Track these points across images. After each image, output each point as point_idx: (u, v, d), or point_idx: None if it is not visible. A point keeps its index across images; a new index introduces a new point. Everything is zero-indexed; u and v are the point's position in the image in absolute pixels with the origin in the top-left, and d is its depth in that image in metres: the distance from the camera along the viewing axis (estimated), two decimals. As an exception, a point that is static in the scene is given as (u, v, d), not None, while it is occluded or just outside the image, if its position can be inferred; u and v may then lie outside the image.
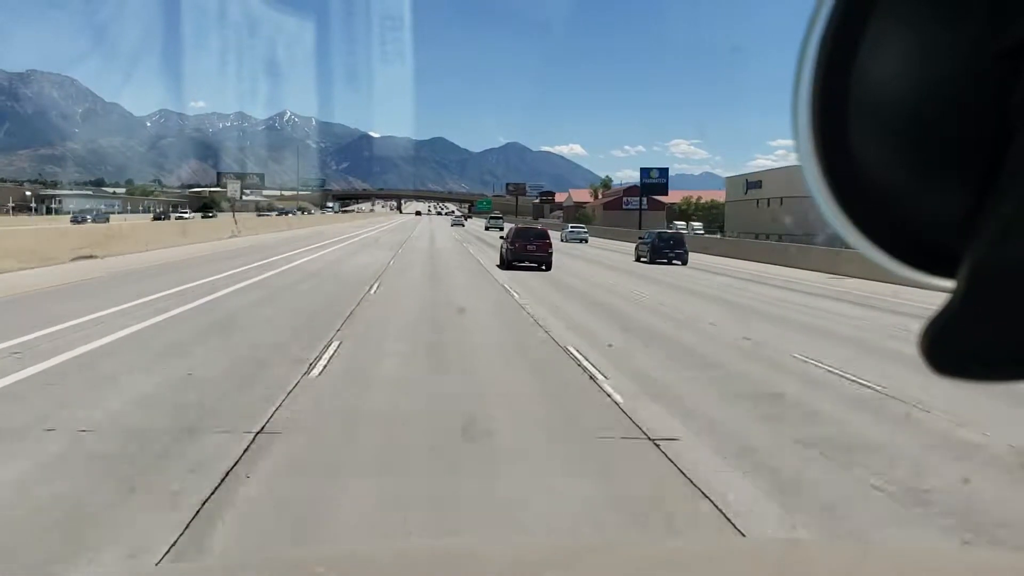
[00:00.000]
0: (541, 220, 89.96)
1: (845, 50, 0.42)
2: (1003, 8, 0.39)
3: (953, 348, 0.42)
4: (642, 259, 34.06)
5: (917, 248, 0.44)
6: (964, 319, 0.41)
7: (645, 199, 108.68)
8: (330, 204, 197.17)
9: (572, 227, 62.61)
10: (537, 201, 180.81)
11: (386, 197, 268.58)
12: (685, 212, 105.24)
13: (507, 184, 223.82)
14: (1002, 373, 0.42)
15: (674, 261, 32.78)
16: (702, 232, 70.59)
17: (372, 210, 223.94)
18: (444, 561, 1.51)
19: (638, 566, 1.44)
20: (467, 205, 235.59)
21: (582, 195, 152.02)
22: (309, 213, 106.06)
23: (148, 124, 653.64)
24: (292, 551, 3.71)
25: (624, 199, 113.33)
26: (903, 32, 0.42)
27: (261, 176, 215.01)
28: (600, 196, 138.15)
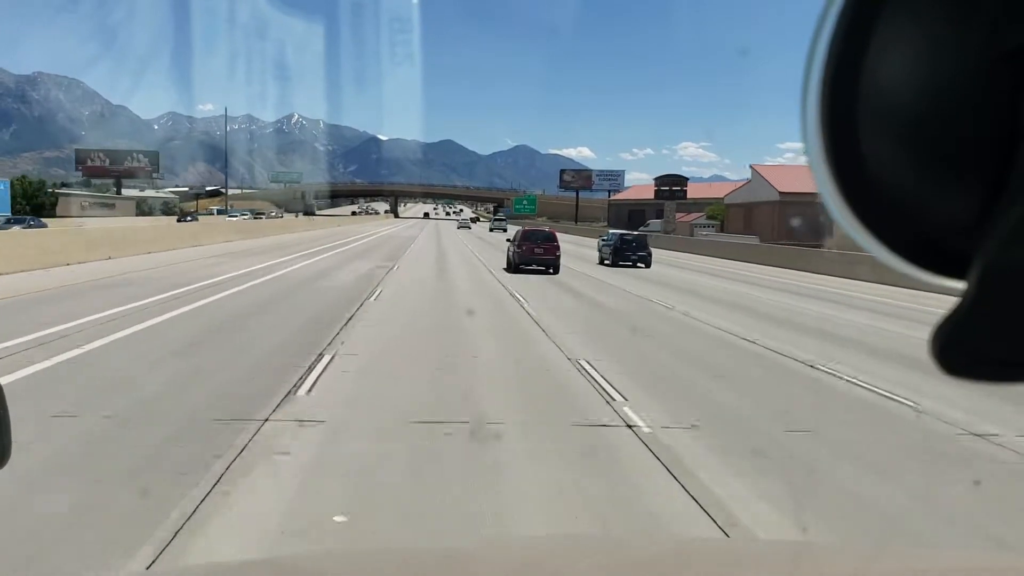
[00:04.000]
0: (680, 237, 55.35)
1: (854, 51, 0.42)
2: (1013, 9, 0.39)
3: (964, 350, 0.42)
4: (605, 262, 31.99)
5: (927, 249, 0.44)
6: (975, 321, 0.41)
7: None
8: (188, 213, 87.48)
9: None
10: (647, 197, 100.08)
11: (386, 194, 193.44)
12: None
13: (562, 173, 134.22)
14: (1014, 374, 0.42)
15: (638, 264, 31.04)
16: None
17: (260, 216, 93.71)
18: (441, 562, 1.53)
19: (642, 567, 1.44)
20: (493, 206, 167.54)
21: (788, 179, 61.49)
22: (191, 219, 59.45)
23: (156, 127, 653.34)
24: (287, 553, 3.66)
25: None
26: (912, 33, 0.41)
27: (154, 158, 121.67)
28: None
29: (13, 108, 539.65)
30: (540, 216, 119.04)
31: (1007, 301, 0.40)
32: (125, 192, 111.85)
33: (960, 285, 0.42)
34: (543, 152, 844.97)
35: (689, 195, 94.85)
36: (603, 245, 34.29)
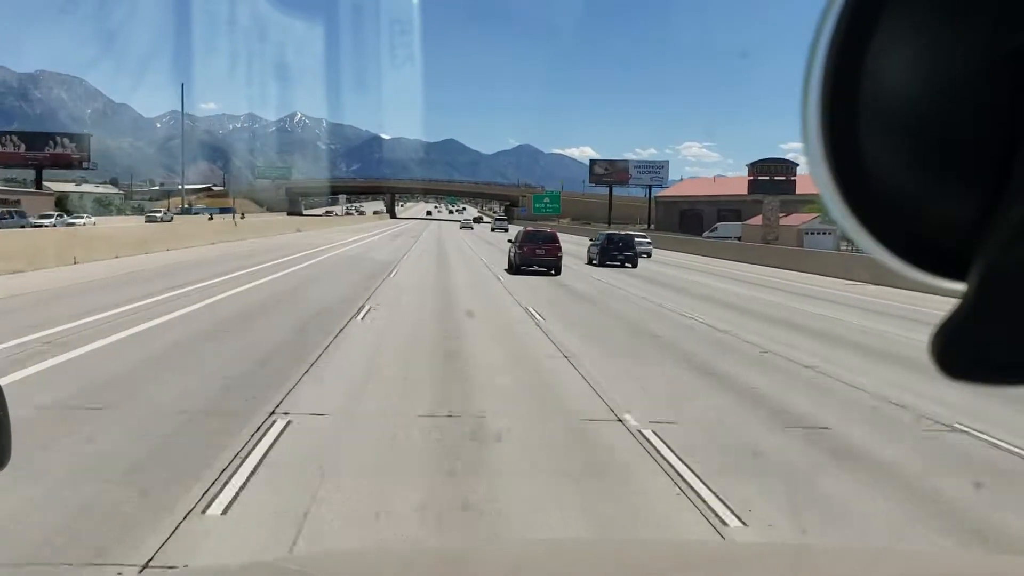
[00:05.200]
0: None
1: (854, 52, 0.42)
2: (1013, 9, 0.39)
3: (965, 352, 0.42)
4: (593, 262, 32.66)
5: (928, 251, 0.44)
6: (976, 322, 0.41)
7: None
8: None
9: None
10: (703, 192, 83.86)
11: (385, 191, 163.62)
12: None
13: (592, 164, 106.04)
14: (1014, 377, 0.42)
15: (625, 264, 31.85)
16: None
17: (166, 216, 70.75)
18: (440, 563, 1.54)
19: (641, 570, 1.43)
20: (504, 205, 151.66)
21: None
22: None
23: (158, 125, 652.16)
24: (282, 555, 3.60)
25: None
26: (913, 34, 0.41)
27: (83, 143, 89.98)
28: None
29: (15, 106, 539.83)
30: (564, 217, 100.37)
31: (1008, 303, 0.40)
32: (52, 185, 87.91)
33: (960, 287, 0.42)
34: (546, 152, 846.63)
35: (704, 192, 77.83)
36: (591, 245, 34.88)
